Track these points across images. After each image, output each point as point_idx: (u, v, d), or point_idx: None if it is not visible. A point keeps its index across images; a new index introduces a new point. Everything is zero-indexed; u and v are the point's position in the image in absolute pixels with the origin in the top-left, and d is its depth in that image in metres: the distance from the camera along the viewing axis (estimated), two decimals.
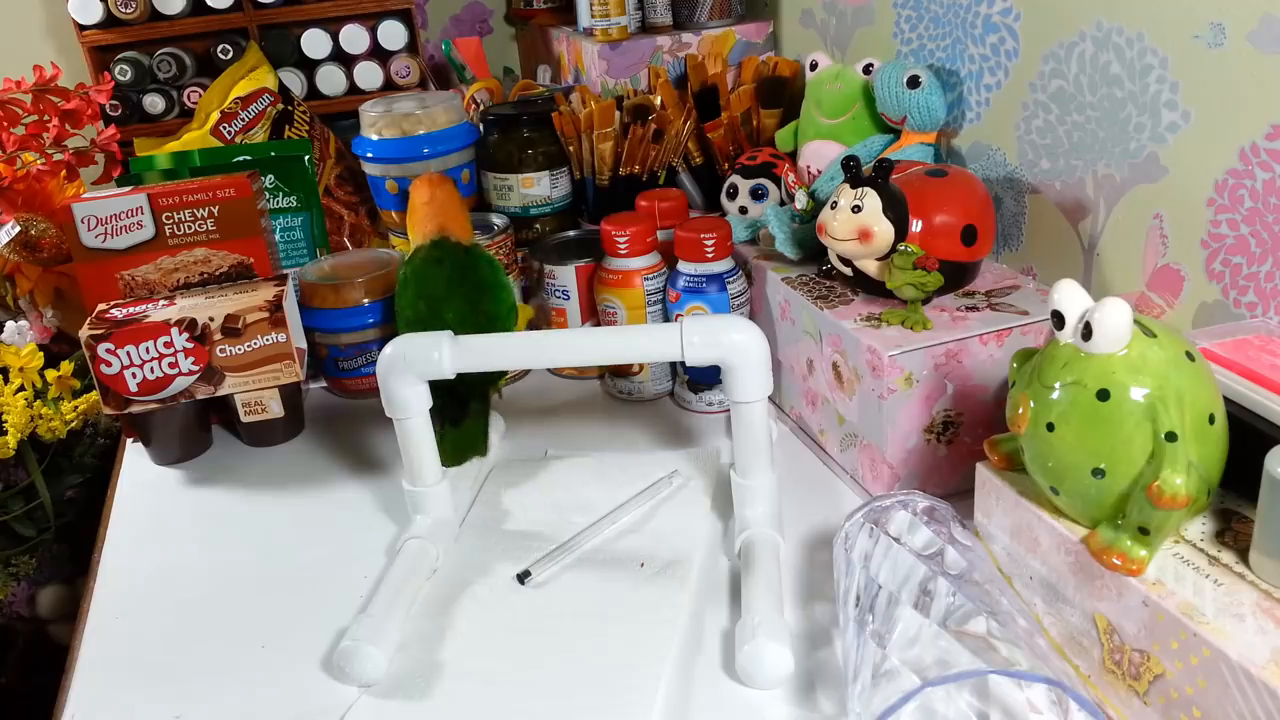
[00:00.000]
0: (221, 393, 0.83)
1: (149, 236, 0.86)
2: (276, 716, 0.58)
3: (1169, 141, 0.68)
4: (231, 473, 0.85)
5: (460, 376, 0.67)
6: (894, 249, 0.70)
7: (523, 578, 0.65)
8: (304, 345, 0.88)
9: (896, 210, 0.69)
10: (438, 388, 0.71)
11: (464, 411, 0.77)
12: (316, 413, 0.93)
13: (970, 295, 0.74)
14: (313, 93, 1.43)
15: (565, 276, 0.91)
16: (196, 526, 0.78)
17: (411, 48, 1.45)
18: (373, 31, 1.43)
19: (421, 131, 0.98)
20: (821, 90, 0.92)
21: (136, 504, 0.82)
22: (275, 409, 0.86)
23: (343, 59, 1.44)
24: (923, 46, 0.93)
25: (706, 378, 0.86)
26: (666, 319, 0.88)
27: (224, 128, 1.14)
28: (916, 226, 0.69)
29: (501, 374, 0.80)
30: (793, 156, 0.97)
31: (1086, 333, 0.49)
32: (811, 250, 0.80)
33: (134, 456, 0.88)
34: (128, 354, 0.80)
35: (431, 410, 0.69)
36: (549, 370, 0.96)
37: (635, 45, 1.17)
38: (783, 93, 1.06)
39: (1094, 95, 0.74)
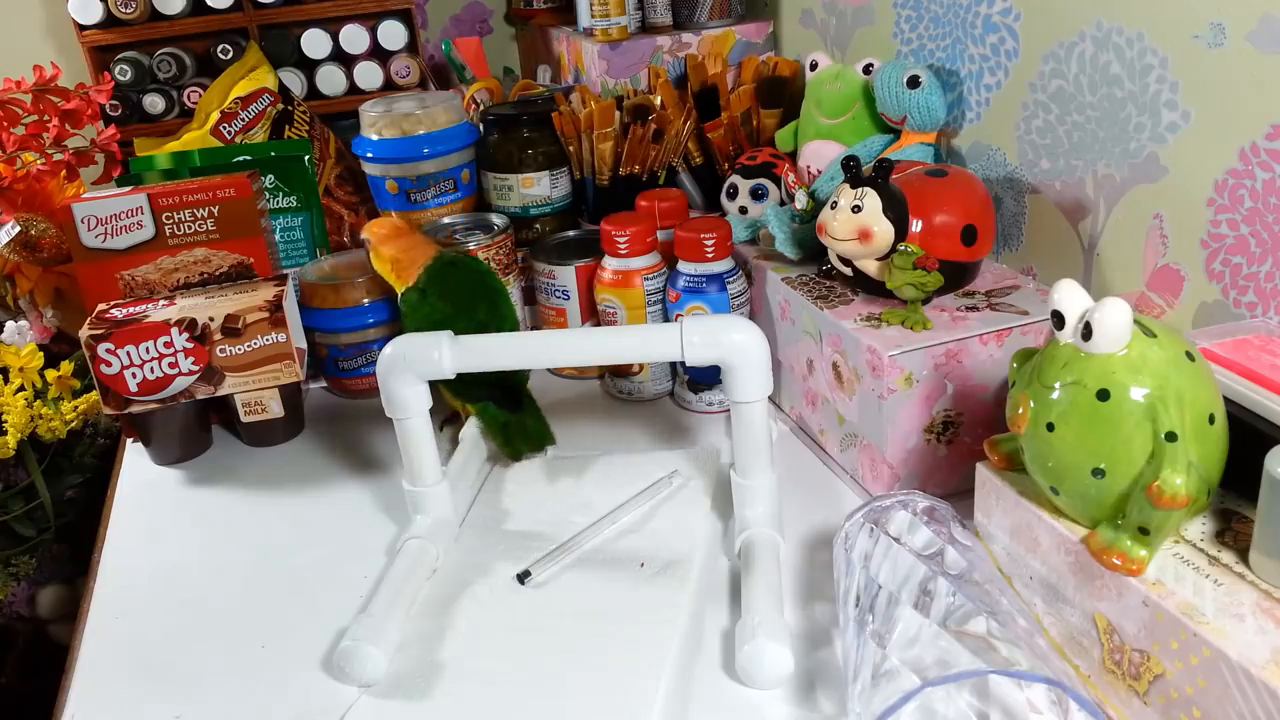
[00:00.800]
0: (221, 393, 0.83)
1: (149, 236, 0.86)
2: (276, 716, 0.58)
3: (1169, 141, 0.68)
4: (231, 473, 0.85)
5: (509, 374, 0.77)
6: (894, 249, 0.70)
7: (523, 578, 0.65)
8: (304, 345, 0.88)
9: (896, 210, 0.69)
10: (490, 384, 0.77)
11: (519, 404, 0.80)
12: (316, 413, 0.93)
13: (970, 295, 0.74)
14: (313, 93, 1.43)
15: (565, 276, 0.91)
16: (196, 526, 0.78)
17: (411, 48, 1.45)
18: (373, 31, 1.43)
19: (421, 131, 0.98)
20: (821, 90, 0.92)
21: (136, 504, 0.82)
22: (275, 409, 0.86)
23: (343, 59, 1.44)
24: (923, 46, 0.93)
25: (706, 378, 0.86)
26: (666, 319, 0.88)
27: (224, 128, 1.14)
28: (916, 226, 0.69)
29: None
30: (793, 156, 0.97)
31: (1086, 333, 0.49)
32: (811, 250, 0.80)
33: (134, 456, 0.88)
34: (128, 354, 0.80)
35: (484, 402, 0.76)
36: (549, 370, 0.96)
37: (635, 45, 1.17)
38: (783, 93, 1.06)
39: (1094, 95, 0.74)
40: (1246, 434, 0.52)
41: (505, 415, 0.79)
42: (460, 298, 0.81)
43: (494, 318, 0.81)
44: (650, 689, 0.55)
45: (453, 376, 0.66)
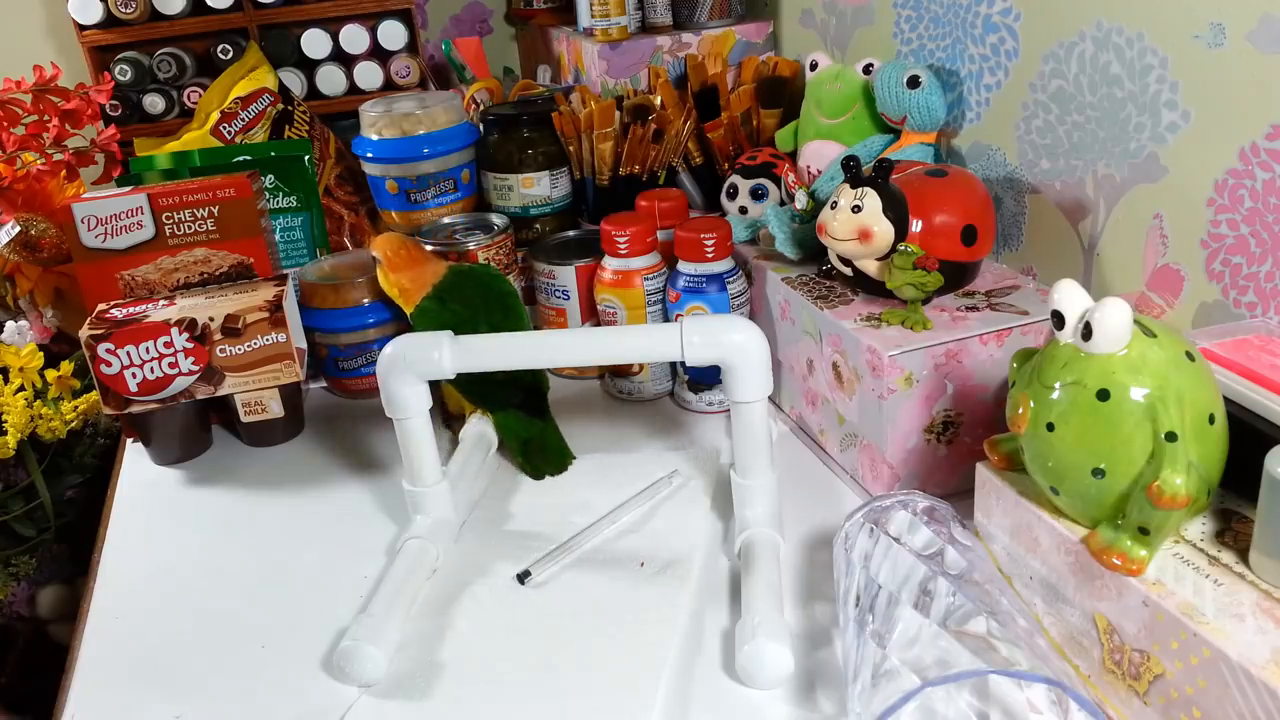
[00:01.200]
0: (221, 393, 0.83)
1: (149, 236, 0.86)
2: (276, 716, 0.58)
3: (1169, 141, 0.68)
4: (231, 473, 0.85)
5: (530, 377, 0.79)
6: (894, 249, 0.70)
7: (523, 578, 0.65)
8: (304, 345, 0.88)
9: (896, 210, 0.69)
10: (516, 387, 0.78)
11: (543, 410, 0.81)
12: (316, 413, 0.93)
13: (970, 295, 0.74)
14: (313, 93, 1.43)
15: (565, 276, 0.91)
16: (196, 526, 0.78)
17: (411, 48, 1.45)
18: (373, 31, 1.43)
19: (421, 131, 0.98)
20: (821, 90, 0.92)
21: (136, 504, 0.82)
22: (275, 409, 0.86)
23: (343, 59, 1.44)
24: (923, 46, 0.93)
25: (706, 378, 0.86)
26: (666, 319, 0.88)
27: (224, 128, 1.14)
28: (916, 226, 0.69)
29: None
30: (793, 156, 0.97)
31: (1086, 333, 0.49)
32: (811, 250, 0.80)
33: (134, 456, 0.88)
34: (128, 354, 0.80)
35: (508, 411, 0.77)
36: (549, 370, 0.96)
37: (635, 45, 1.17)
38: (783, 93, 1.06)
39: (1094, 95, 0.74)
40: (1246, 434, 0.52)
41: (527, 430, 0.79)
42: (476, 302, 0.82)
43: (509, 319, 0.83)
44: (650, 689, 0.55)
45: (453, 376, 0.66)
